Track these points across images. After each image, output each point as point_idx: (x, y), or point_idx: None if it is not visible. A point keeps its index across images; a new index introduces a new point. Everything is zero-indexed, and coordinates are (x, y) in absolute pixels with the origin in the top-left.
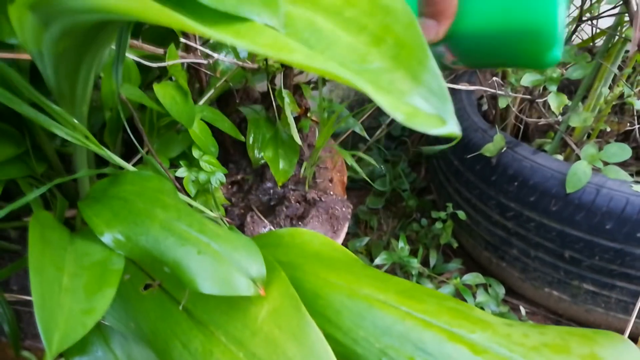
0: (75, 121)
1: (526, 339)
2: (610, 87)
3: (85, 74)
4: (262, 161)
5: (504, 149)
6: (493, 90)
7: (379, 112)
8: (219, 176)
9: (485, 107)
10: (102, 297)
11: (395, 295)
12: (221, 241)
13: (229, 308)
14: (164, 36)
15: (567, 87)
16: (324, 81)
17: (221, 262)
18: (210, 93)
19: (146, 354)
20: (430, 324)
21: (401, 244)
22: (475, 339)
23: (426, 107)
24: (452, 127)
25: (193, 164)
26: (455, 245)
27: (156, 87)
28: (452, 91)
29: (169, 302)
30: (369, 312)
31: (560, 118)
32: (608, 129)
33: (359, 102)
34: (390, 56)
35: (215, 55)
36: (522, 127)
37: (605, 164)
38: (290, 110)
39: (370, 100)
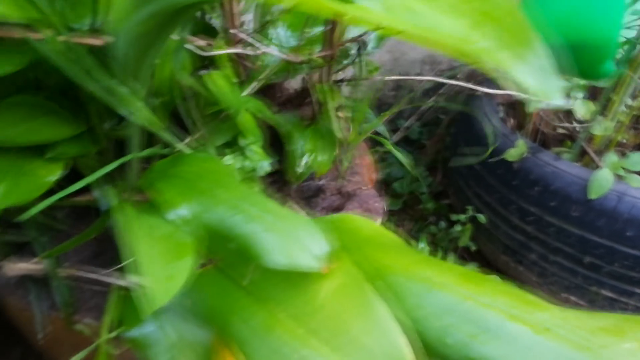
0: (140, 103)
1: (582, 322)
2: (633, 98)
3: (152, 58)
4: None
5: (526, 154)
6: (524, 95)
7: (397, 116)
8: (264, 165)
9: (501, 114)
10: (181, 265)
11: (453, 278)
12: (286, 220)
13: (290, 286)
14: (204, 29)
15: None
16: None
17: (287, 239)
18: (253, 85)
19: (195, 331)
20: (490, 305)
21: (422, 244)
22: (535, 320)
23: (534, 83)
24: (559, 102)
25: (238, 152)
26: (473, 248)
27: (206, 76)
28: (473, 97)
29: (226, 280)
30: (429, 293)
31: (577, 126)
32: (625, 140)
33: (378, 105)
34: (493, 38)
35: (263, 47)
36: (541, 134)
37: (627, 172)
38: (332, 104)
39: (389, 104)
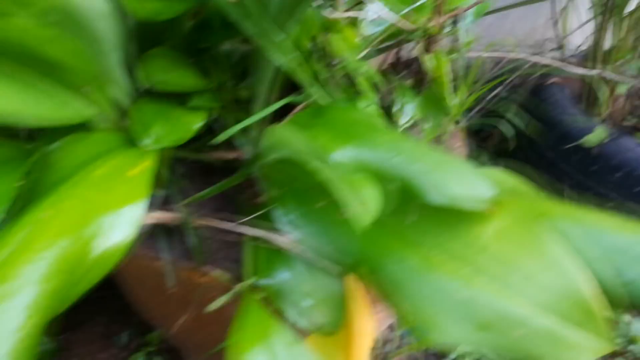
0: (294, 52)
1: None
2: None
3: (304, 8)
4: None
5: (607, 139)
6: (617, 76)
7: None
8: None
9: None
10: (368, 193)
11: (617, 222)
12: (449, 161)
13: (450, 228)
14: None
15: None
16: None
17: (453, 178)
18: (367, 50)
19: (327, 279)
20: None
21: None
22: None
23: None
24: None
25: None
26: None
27: (332, 37)
28: (541, 86)
29: (375, 225)
30: (599, 234)
31: None
32: None
33: None
34: None
35: (374, 12)
36: (612, 123)
37: None
38: (445, 72)
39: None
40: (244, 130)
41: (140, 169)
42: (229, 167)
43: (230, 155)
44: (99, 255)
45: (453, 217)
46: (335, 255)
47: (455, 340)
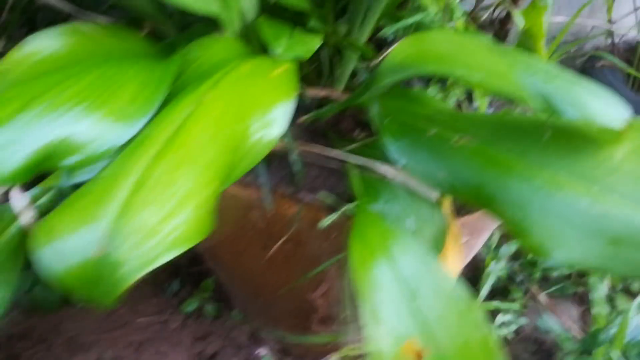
0: None
1: None
2: None
3: None
4: None
5: None
6: None
7: None
8: None
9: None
10: None
11: None
12: (583, 82)
13: (573, 152)
14: None
15: None
16: None
17: (588, 96)
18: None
19: (429, 207)
20: None
21: None
22: None
23: None
24: None
25: None
26: None
27: None
28: (591, 70)
29: (491, 151)
30: None
31: None
32: None
33: None
34: None
35: None
36: None
37: None
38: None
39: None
40: (334, 68)
41: (280, 71)
42: (318, 106)
43: (322, 92)
44: (254, 143)
45: (579, 140)
46: (448, 180)
47: (584, 255)
